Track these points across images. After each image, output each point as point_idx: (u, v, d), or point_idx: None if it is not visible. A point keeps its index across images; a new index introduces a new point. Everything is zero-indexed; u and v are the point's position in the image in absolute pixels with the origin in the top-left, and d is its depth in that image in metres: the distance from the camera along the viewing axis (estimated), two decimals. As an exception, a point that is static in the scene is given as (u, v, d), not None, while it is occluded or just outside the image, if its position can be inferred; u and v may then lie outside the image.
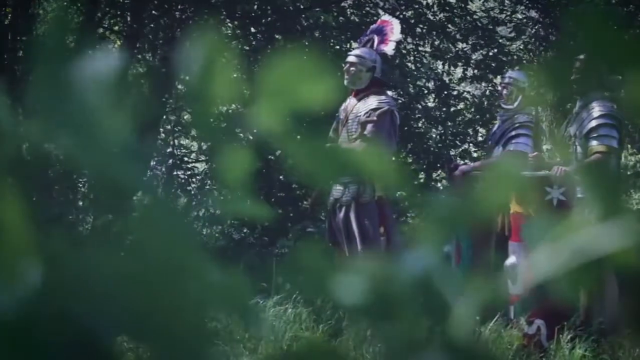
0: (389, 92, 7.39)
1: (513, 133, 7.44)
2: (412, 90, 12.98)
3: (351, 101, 7.11)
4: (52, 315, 0.77)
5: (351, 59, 7.15)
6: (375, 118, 6.89)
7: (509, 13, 13.73)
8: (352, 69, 7.10)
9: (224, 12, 12.38)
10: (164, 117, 12.20)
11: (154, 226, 0.81)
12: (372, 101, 6.98)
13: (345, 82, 7.11)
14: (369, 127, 6.89)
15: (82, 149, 0.80)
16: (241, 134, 0.91)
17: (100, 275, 0.79)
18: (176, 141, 13.33)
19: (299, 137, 0.85)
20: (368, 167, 0.88)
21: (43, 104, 0.80)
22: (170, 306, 0.81)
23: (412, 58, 13.27)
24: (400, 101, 12.38)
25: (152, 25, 12.02)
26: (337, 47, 12.38)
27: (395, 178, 0.89)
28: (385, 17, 7.78)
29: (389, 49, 7.30)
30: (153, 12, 11.99)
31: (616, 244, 0.81)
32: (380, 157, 0.88)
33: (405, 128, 12.06)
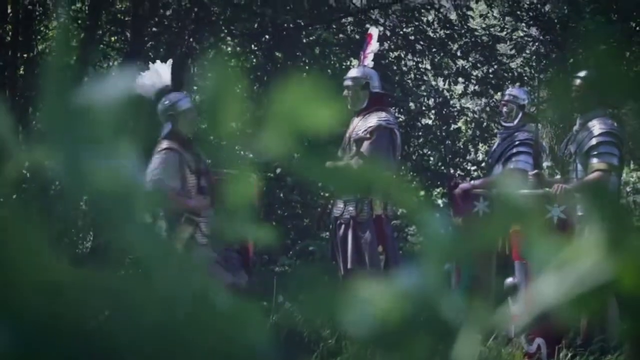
0: (391, 110, 7.39)
1: (513, 151, 7.43)
2: (412, 107, 12.99)
3: (354, 121, 7.13)
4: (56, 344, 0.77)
5: (346, 82, 7.18)
6: (368, 135, 6.90)
7: (509, 31, 13.75)
8: (349, 92, 7.12)
9: (225, 30, 12.41)
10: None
11: (156, 252, 0.81)
12: (372, 119, 6.99)
13: (348, 106, 7.14)
14: (366, 144, 6.90)
15: (84, 176, 0.80)
16: (245, 157, 0.92)
17: (107, 299, 0.80)
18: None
19: (303, 159, 0.86)
20: (371, 183, 0.88)
21: (49, 127, 0.80)
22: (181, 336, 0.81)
23: (412, 75, 13.29)
24: (400, 119, 12.39)
25: (152, 43, 12.04)
26: (338, 64, 12.40)
27: (395, 192, 0.90)
28: (370, 29, 7.78)
29: (368, 61, 7.33)
30: (153, 29, 12.02)
31: (619, 271, 0.81)
32: (380, 172, 0.88)
33: (405, 146, 12.07)
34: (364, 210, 6.92)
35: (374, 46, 7.36)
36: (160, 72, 6.61)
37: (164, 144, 6.43)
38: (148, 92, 6.54)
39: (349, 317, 0.84)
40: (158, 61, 6.70)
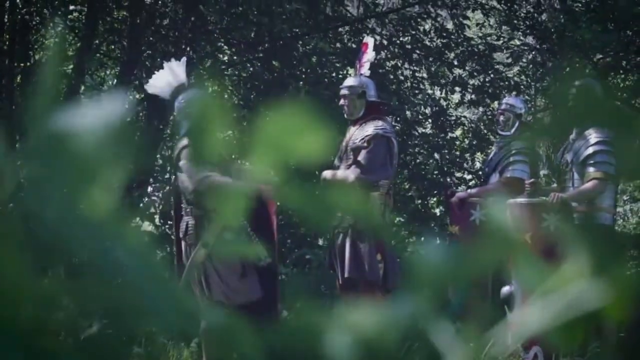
0: (388, 118, 7.38)
1: (510, 159, 7.44)
2: (409, 116, 12.99)
3: (350, 129, 7.12)
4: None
5: (342, 91, 7.17)
6: (365, 144, 6.89)
7: (506, 40, 13.75)
8: (345, 101, 7.11)
9: (221, 39, 12.41)
10: (162, 143, 12.21)
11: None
12: (369, 128, 6.98)
13: (345, 115, 7.15)
14: (363, 153, 6.88)
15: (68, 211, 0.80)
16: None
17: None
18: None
19: (290, 185, 0.86)
20: (354, 207, 0.88)
21: (36, 153, 0.80)
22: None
23: (409, 84, 13.29)
24: (397, 127, 12.39)
25: (149, 52, 12.05)
26: (334, 73, 12.40)
27: (374, 217, 0.90)
28: (365, 38, 7.75)
29: (364, 70, 7.30)
30: (150, 38, 12.02)
31: (605, 299, 0.81)
32: (360, 196, 0.88)
33: (402, 154, 12.06)
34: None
35: (370, 55, 7.34)
36: (175, 70, 6.59)
37: (186, 140, 6.40)
38: (164, 91, 6.52)
39: (336, 344, 0.84)
40: (173, 59, 6.69)
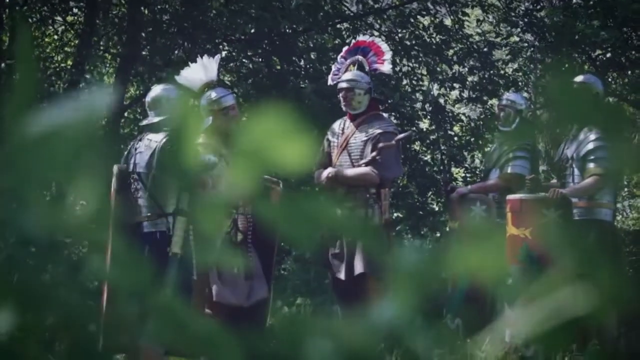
0: (385, 115, 7.36)
1: (510, 155, 7.43)
2: (410, 112, 12.97)
3: (348, 124, 7.06)
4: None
5: (345, 84, 7.07)
6: (393, 142, 6.84)
7: (504, 36, 13.74)
8: (349, 94, 7.03)
9: (222, 35, 12.40)
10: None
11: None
12: (381, 125, 6.95)
13: (344, 108, 7.08)
14: (384, 152, 6.81)
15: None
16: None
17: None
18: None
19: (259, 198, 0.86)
20: (337, 221, 0.88)
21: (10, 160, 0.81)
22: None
23: (408, 80, 13.28)
24: (396, 123, 12.39)
25: (149, 47, 12.04)
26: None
27: (361, 231, 0.90)
28: (361, 38, 7.68)
29: (386, 68, 7.24)
30: (150, 33, 12.01)
31: (590, 304, 0.81)
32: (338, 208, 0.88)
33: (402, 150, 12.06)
34: (374, 215, 6.83)
35: (389, 54, 7.26)
36: (207, 67, 6.57)
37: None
38: (194, 85, 6.49)
39: (318, 350, 0.84)
40: (206, 55, 6.67)
